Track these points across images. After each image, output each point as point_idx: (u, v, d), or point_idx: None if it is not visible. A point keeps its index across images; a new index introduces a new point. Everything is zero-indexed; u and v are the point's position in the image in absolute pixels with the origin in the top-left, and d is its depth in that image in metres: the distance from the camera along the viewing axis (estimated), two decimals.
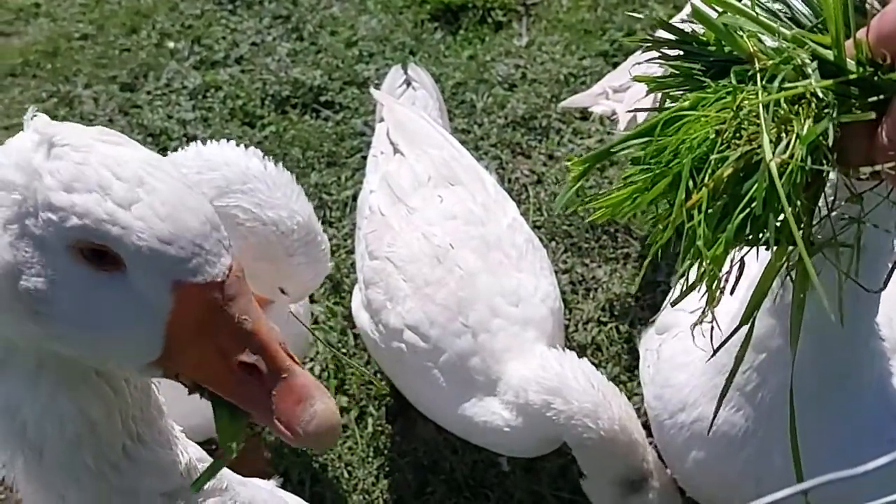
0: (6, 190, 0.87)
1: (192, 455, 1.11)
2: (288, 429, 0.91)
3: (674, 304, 0.95)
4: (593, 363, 2.70)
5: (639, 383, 2.64)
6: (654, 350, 1.84)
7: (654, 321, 1.70)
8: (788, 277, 0.93)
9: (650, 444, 2.40)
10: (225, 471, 1.17)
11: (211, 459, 1.16)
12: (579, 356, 2.70)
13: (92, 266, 0.86)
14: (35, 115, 0.93)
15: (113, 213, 0.84)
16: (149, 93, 3.66)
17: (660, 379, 1.73)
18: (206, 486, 1.11)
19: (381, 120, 2.49)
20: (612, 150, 0.93)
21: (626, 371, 2.70)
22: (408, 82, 2.67)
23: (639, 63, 0.99)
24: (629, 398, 2.60)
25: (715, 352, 0.98)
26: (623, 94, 2.42)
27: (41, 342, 0.92)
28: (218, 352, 0.90)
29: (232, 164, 1.76)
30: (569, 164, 0.94)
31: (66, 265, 0.86)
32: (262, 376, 0.90)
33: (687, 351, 1.66)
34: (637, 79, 0.97)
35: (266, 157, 1.86)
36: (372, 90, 2.69)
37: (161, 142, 3.42)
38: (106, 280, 0.86)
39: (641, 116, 2.30)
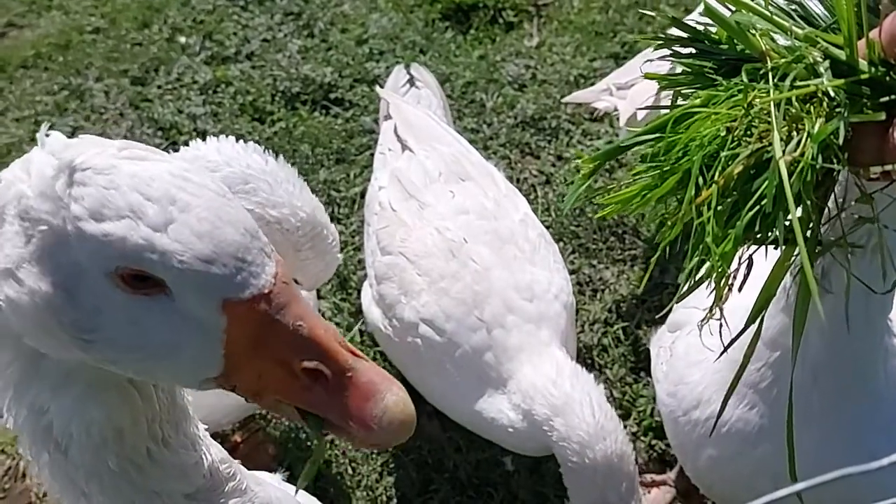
0: (32, 222, 0.83)
1: (214, 457, 1.10)
2: (363, 427, 0.88)
3: (679, 300, 0.95)
4: (599, 364, 2.72)
5: (645, 384, 2.63)
6: (667, 348, 1.84)
7: (660, 317, 1.68)
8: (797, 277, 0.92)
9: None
10: (243, 471, 1.17)
11: (232, 459, 1.16)
12: (586, 357, 2.72)
13: (135, 290, 0.83)
14: (48, 133, 0.88)
15: (149, 237, 0.80)
16: (159, 87, 3.67)
17: (674, 376, 1.72)
18: (226, 488, 1.11)
19: (387, 117, 2.50)
20: (622, 147, 0.93)
21: (631, 373, 2.69)
22: (411, 81, 2.67)
23: (650, 60, 0.99)
24: (635, 399, 2.61)
25: (725, 349, 0.98)
26: (626, 92, 2.43)
27: (91, 363, 0.90)
28: (279, 362, 0.87)
29: (233, 164, 1.75)
30: (579, 161, 0.94)
31: (108, 292, 0.83)
32: (327, 379, 0.88)
33: (701, 348, 1.66)
34: (648, 76, 0.97)
35: (274, 154, 1.86)
36: (377, 88, 2.70)
37: (171, 136, 3.43)
38: (151, 304, 0.84)
39: (641, 114, 2.31)
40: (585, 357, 2.72)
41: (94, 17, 4.06)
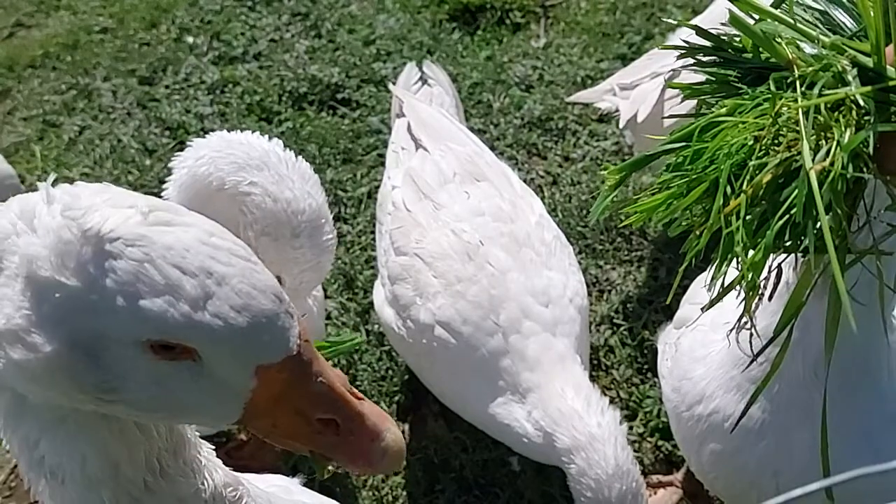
0: (48, 287, 0.79)
1: (216, 481, 1.09)
2: (368, 465, 0.97)
3: (705, 309, 0.95)
4: (606, 365, 2.72)
5: (651, 385, 2.64)
6: (672, 344, 1.85)
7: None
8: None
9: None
10: (255, 493, 1.18)
11: (241, 483, 1.16)
12: (592, 357, 2.72)
13: (162, 357, 0.83)
14: (53, 182, 0.84)
15: (188, 314, 0.80)
16: (167, 87, 3.68)
17: (678, 372, 1.73)
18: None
19: (400, 115, 2.48)
20: (649, 157, 0.93)
21: (638, 373, 2.70)
22: (423, 80, 2.67)
23: (674, 70, 0.99)
24: (642, 400, 2.62)
25: (753, 359, 0.98)
26: (629, 92, 2.43)
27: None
28: (296, 412, 0.92)
29: (254, 144, 1.82)
30: (605, 172, 0.94)
31: (135, 357, 0.82)
32: (337, 425, 0.94)
33: (705, 344, 1.67)
34: (672, 86, 0.98)
35: None
36: (390, 86, 2.69)
37: (178, 135, 3.43)
38: (178, 368, 0.84)
39: (641, 115, 2.31)
40: (592, 358, 2.72)
41: (102, 16, 4.07)
